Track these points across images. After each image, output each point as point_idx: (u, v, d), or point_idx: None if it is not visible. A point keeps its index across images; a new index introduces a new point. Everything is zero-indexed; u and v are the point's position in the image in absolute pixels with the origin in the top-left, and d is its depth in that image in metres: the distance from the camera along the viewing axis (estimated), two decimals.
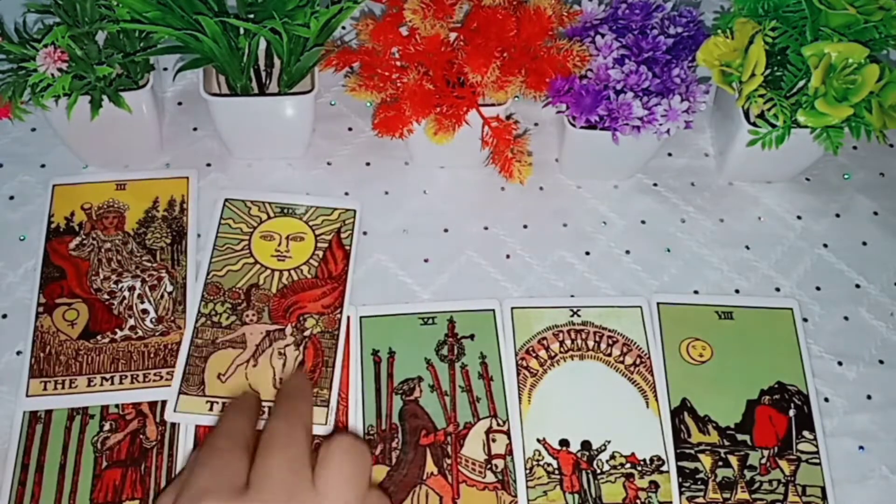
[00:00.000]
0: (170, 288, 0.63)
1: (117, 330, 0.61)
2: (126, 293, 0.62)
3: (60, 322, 0.61)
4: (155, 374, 0.59)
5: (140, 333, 0.61)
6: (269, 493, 0.43)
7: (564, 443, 0.59)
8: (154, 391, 0.59)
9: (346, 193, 0.68)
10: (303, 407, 0.50)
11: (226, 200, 0.67)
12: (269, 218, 0.66)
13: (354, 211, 0.67)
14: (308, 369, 0.60)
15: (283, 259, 0.64)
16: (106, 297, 0.62)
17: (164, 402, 0.59)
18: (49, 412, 0.58)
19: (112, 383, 0.59)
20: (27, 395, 0.58)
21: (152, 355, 0.60)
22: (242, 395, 0.54)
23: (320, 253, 0.65)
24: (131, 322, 0.61)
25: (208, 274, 0.63)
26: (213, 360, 0.60)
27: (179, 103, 0.72)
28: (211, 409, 0.58)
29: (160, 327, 0.61)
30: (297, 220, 0.66)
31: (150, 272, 0.63)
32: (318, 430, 0.58)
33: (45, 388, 0.58)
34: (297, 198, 0.67)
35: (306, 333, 0.61)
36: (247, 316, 0.61)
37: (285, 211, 0.66)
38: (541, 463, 0.59)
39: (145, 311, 0.62)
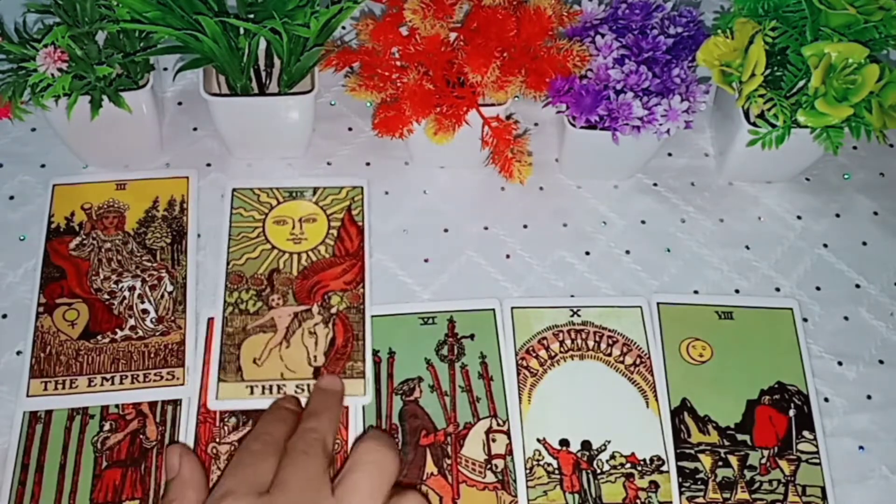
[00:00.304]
0: (170, 288, 0.63)
1: (117, 330, 0.61)
2: (126, 293, 0.62)
3: (61, 322, 0.61)
4: (155, 375, 0.59)
5: (140, 333, 0.61)
6: (286, 500, 0.45)
7: (564, 443, 0.59)
8: (154, 391, 0.59)
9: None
10: (323, 424, 0.53)
11: (234, 190, 0.67)
12: (279, 203, 0.67)
13: (362, 188, 0.68)
14: (340, 345, 0.61)
15: (299, 242, 0.65)
16: (106, 297, 0.62)
17: (164, 403, 0.59)
18: (49, 412, 0.58)
19: (112, 383, 0.59)
20: (28, 396, 0.58)
21: (152, 355, 0.60)
22: (280, 401, 0.57)
23: (335, 232, 0.66)
24: (131, 322, 0.61)
25: (228, 264, 0.64)
26: (246, 346, 0.61)
27: (179, 103, 0.72)
28: (252, 393, 0.59)
29: (160, 327, 0.61)
30: (307, 202, 0.67)
31: (150, 272, 0.63)
32: (358, 400, 0.59)
33: (45, 389, 0.58)
34: (303, 181, 0.68)
35: (333, 311, 0.62)
36: (272, 300, 0.63)
37: (294, 195, 0.67)
38: (541, 463, 0.59)
39: (145, 312, 0.62)
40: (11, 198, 0.67)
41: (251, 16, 0.60)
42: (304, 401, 0.58)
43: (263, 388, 0.59)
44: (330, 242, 0.65)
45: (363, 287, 0.64)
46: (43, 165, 0.68)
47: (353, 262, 0.64)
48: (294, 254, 0.65)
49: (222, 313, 0.62)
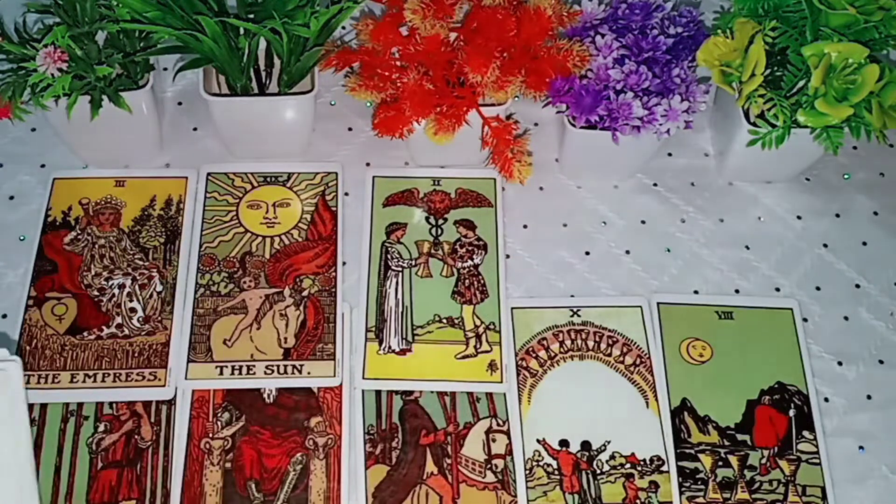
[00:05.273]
0: (159, 287, 0.63)
1: (104, 327, 0.61)
2: (116, 290, 0.62)
3: (49, 316, 0.61)
4: (137, 375, 0.59)
5: (126, 332, 0.61)
6: None
7: (564, 443, 0.59)
8: (135, 391, 0.58)
9: (347, 194, 0.68)
10: None
11: (208, 175, 0.68)
12: (254, 188, 0.67)
13: (336, 173, 0.68)
14: (311, 327, 0.61)
15: (272, 226, 0.66)
16: (95, 293, 0.62)
17: (158, 403, 0.59)
18: (43, 414, 0.58)
19: (95, 381, 0.59)
20: None
21: (136, 354, 0.60)
22: None
23: (308, 216, 0.66)
24: (118, 320, 0.61)
25: (201, 246, 0.64)
26: (217, 328, 0.61)
27: (179, 103, 0.72)
28: (221, 374, 0.59)
29: (146, 327, 0.61)
30: (281, 187, 0.67)
31: (141, 270, 0.63)
32: (328, 382, 0.59)
33: (28, 382, 0.58)
34: (278, 165, 0.68)
35: (304, 293, 0.63)
36: (244, 283, 0.63)
37: (269, 179, 0.68)
38: (541, 463, 0.59)
39: (133, 310, 0.62)
40: (11, 198, 0.67)
41: (251, 16, 0.60)
42: (273, 383, 0.58)
43: (233, 368, 0.60)
44: (303, 226, 0.66)
45: (335, 271, 0.64)
46: (43, 165, 0.68)
47: (326, 246, 0.65)
48: (267, 237, 0.65)
49: (194, 295, 0.62)
